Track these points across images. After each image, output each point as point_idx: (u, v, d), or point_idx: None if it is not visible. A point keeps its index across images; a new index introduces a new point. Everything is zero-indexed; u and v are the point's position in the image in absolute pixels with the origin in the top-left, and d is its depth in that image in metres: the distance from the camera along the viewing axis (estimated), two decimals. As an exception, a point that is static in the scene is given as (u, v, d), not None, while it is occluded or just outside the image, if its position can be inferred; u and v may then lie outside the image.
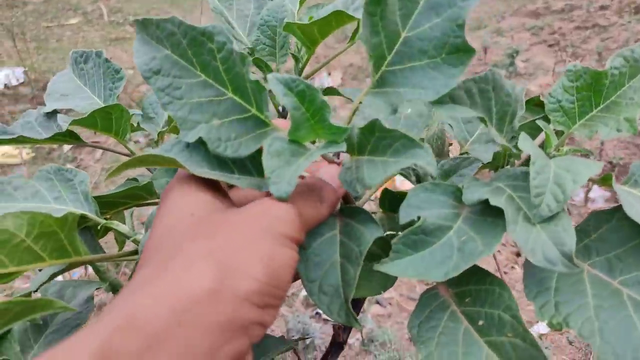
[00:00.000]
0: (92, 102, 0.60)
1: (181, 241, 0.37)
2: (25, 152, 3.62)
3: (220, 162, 0.43)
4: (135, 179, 0.60)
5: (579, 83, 0.50)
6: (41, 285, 0.54)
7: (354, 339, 1.78)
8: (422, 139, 0.55)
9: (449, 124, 0.61)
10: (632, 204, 0.42)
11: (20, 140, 0.53)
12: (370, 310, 1.90)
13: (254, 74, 0.45)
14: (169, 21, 0.40)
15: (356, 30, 0.58)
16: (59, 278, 0.68)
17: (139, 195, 0.55)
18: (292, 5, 0.62)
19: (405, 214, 0.43)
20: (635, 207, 0.42)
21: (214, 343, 0.32)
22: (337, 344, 0.61)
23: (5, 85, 4.77)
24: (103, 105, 0.56)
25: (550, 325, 0.40)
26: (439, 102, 0.45)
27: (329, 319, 1.98)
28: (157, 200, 0.60)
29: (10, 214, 0.37)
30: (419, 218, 0.42)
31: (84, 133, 0.61)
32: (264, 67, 0.58)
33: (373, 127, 0.41)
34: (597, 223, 0.45)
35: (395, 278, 0.51)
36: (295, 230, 0.39)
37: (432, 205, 0.45)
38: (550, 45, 4.16)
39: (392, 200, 0.53)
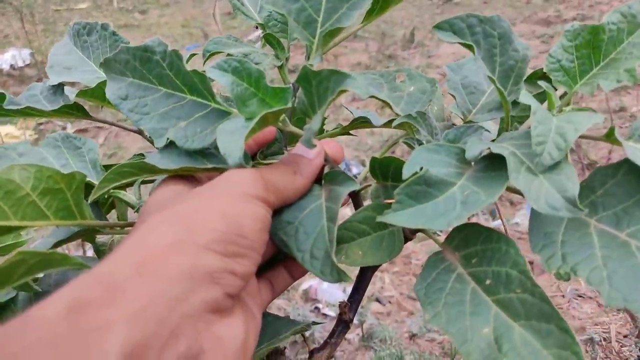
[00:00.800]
0: (98, 75, 0.59)
1: (154, 211, 0.40)
2: (28, 133, 3.63)
3: (191, 157, 0.47)
4: (141, 154, 0.60)
5: (577, 41, 0.50)
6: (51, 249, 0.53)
7: (353, 334, 1.77)
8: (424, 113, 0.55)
9: (452, 94, 0.61)
10: (638, 156, 0.42)
11: (26, 112, 0.53)
12: (370, 307, 1.89)
13: (266, 55, 0.52)
14: (121, 52, 0.46)
15: (371, 10, 0.58)
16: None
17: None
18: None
19: (408, 171, 0.43)
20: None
21: (181, 291, 0.33)
22: (342, 322, 0.60)
23: (12, 66, 4.81)
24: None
25: (557, 276, 0.39)
26: (439, 27, 0.47)
27: (328, 313, 1.97)
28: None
29: (16, 165, 0.37)
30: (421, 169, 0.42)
31: (90, 110, 0.61)
32: (276, 44, 0.58)
33: (305, 74, 0.43)
34: (603, 179, 0.44)
35: (401, 247, 0.51)
36: (259, 189, 0.41)
37: (435, 164, 0.45)
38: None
39: (382, 168, 0.53)
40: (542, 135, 0.43)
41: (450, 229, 0.49)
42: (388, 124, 0.62)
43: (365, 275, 0.58)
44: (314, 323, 0.62)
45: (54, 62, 0.62)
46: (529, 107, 0.46)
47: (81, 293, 0.31)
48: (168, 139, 0.47)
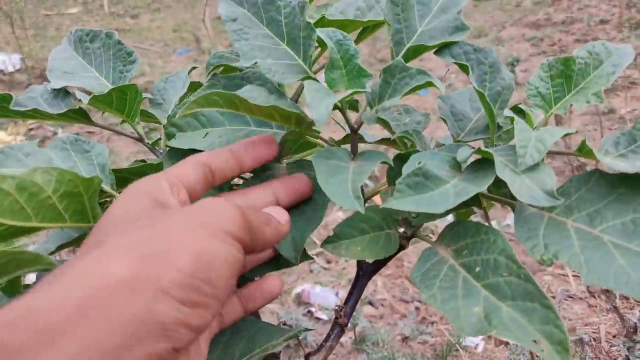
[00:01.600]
0: (99, 82, 0.62)
1: (113, 232, 0.35)
2: (19, 138, 3.62)
3: (238, 119, 0.57)
4: (143, 160, 0.63)
5: (552, 72, 0.57)
6: (50, 254, 0.56)
7: (346, 337, 1.80)
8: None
9: (443, 119, 0.66)
10: (609, 163, 0.47)
11: (32, 114, 0.55)
12: (363, 310, 1.92)
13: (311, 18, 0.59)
14: None
15: (363, 30, 0.63)
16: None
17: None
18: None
19: (408, 168, 0.47)
20: (614, 164, 0.47)
21: (125, 341, 0.28)
22: (338, 326, 0.63)
23: (1, 71, 4.80)
24: (112, 87, 0.59)
25: (541, 261, 0.43)
26: (440, 51, 0.55)
27: (321, 316, 1.99)
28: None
29: (39, 168, 0.40)
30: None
31: (92, 116, 0.63)
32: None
33: (395, 66, 0.50)
34: (577, 185, 0.49)
35: (396, 247, 0.55)
36: (238, 229, 0.36)
37: (432, 165, 0.49)
38: (549, 57, 4.29)
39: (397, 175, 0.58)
40: (524, 140, 0.47)
41: (440, 230, 0.53)
42: (381, 141, 0.66)
43: (361, 280, 0.62)
44: (306, 329, 0.63)
45: (54, 66, 0.64)
46: (511, 130, 0.52)
47: (10, 337, 0.26)
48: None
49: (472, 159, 0.51)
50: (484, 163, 0.49)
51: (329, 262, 2.45)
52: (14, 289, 0.54)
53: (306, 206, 0.53)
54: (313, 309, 1.97)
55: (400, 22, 0.57)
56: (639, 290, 0.39)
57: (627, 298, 1.73)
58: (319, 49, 0.63)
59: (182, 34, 5.84)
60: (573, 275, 1.88)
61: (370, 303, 1.96)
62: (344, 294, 2.14)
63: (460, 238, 0.49)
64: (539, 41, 4.53)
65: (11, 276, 0.37)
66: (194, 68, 0.70)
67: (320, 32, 0.52)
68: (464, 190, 0.46)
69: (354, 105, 0.68)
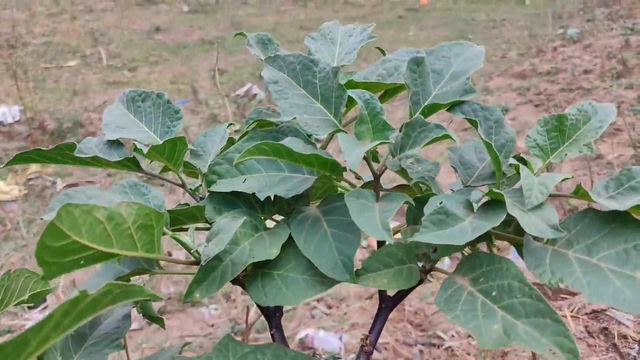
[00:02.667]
0: (149, 135, 0.70)
1: None
2: (18, 188, 3.66)
3: (274, 166, 0.65)
4: (187, 204, 0.70)
5: (547, 127, 0.66)
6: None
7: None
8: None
9: (453, 167, 0.74)
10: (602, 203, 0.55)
11: (89, 162, 0.63)
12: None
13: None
14: (291, 55, 0.66)
15: (385, 92, 0.73)
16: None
17: (194, 214, 0.66)
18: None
19: (429, 208, 0.55)
20: (607, 204, 0.55)
21: None
22: (364, 354, 0.69)
23: (1, 123, 4.89)
24: (160, 140, 0.67)
25: (549, 284, 0.51)
26: (452, 109, 0.65)
27: (323, 356, 2.00)
28: (208, 225, 0.69)
29: (124, 202, 0.47)
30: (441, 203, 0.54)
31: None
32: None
33: (416, 121, 0.58)
34: (575, 222, 0.57)
35: (418, 279, 0.62)
36: None
37: (450, 204, 0.56)
38: (536, 105, 4.43)
39: (416, 214, 0.65)
40: (529, 184, 0.55)
41: (456, 263, 0.61)
42: (398, 187, 0.74)
43: (384, 312, 0.69)
44: (336, 357, 0.69)
45: (108, 122, 0.72)
46: (513, 177, 0.61)
47: None
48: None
49: (482, 201, 0.59)
50: (493, 204, 0.57)
51: (329, 307, 2.48)
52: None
53: (346, 233, 0.60)
54: (318, 354, 1.99)
55: (417, 86, 0.66)
56: (635, 307, 0.46)
57: (625, 337, 1.78)
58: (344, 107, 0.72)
59: (179, 85, 6.01)
60: (572, 316, 1.93)
61: (375, 347, 1.98)
62: (347, 338, 2.16)
63: (476, 268, 0.56)
64: (525, 90, 4.72)
65: (119, 304, 0.43)
66: (231, 124, 0.78)
67: (351, 93, 0.61)
68: (480, 227, 0.53)
69: (375, 157, 0.76)
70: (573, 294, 2.12)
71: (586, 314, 1.99)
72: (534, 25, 7.23)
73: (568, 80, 4.75)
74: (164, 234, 0.62)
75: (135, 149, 0.65)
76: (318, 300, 2.54)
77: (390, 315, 2.27)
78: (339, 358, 0.67)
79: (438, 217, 0.53)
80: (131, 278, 0.79)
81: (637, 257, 0.51)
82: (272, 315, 0.72)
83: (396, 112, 4.52)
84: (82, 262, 0.47)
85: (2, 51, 6.00)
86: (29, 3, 8.44)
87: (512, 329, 0.49)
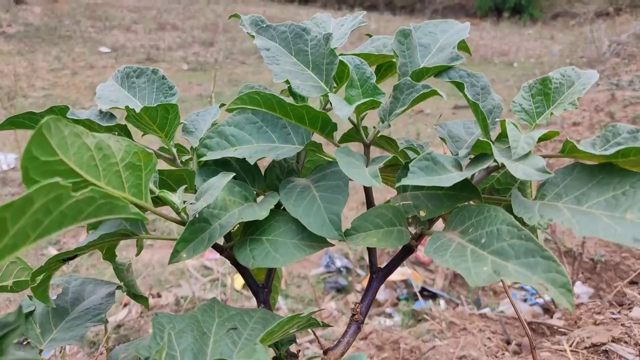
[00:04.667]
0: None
1: None
2: None
3: (264, 137, 0.58)
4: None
5: (532, 92, 0.67)
6: (77, 250, 0.60)
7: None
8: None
9: (442, 139, 0.75)
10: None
11: (83, 123, 0.63)
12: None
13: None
14: (282, 25, 0.67)
15: (378, 67, 0.75)
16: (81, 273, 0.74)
17: (183, 178, 0.66)
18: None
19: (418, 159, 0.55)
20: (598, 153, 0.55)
21: None
22: (354, 323, 0.67)
23: (-4, 169, 4.91)
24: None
25: (538, 226, 0.50)
26: (439, 75, 0.63)
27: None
28: (193, 192, 0.69)
29: (113, 137, 0.47)
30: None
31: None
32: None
33: (404, 84, 0.57)
34: (563, 177, 0.58)
35: (408, 240, 0.61)
36: None
37: (439, 158, 0.57)
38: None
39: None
40: (515, 136, 0.56)
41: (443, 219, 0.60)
42: (389, 165, 0.74)
43: (374, 282, 0.67)
44: (318, 310, 0.68)
45: (102, 95, 0.73)
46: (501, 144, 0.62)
47: None
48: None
49: (470, 156, 0.60)
50: (481, 157, 0.58)
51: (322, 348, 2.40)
52: (111, 255, 0.59)
53: (334, 194, 0.59)
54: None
55: (406, 57, 0.68)
56: (625, 239, 0.46)
57: (625, 365, 1.72)
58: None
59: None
60: (571, 350, 1.87)
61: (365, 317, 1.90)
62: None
63: (465, 221, 0.56)
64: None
65: (101, 219, 0.41)
66: (223, 105, 0.79)
67: (342, 58, 0.63)
68: (467, 173, 0.53)
69: (365, 130, 0.77)
70: (572, 329, 2.06)
71: (585, 347, 1.93)
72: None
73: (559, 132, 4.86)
74: (152, 192, 0.62)
75: (128, 113, 0.65)
76: (311, 342, 2.46)
77: (385, 354, 2.20)
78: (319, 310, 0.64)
79: (425, 162, 0.54)
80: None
81: (626, 201, 0.51)
82: (260, 291, 0.70)
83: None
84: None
85: (3, 102, 6.09)
86: (31, 59, 8.67)
87: (502, 269, 0.48)
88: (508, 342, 2.22)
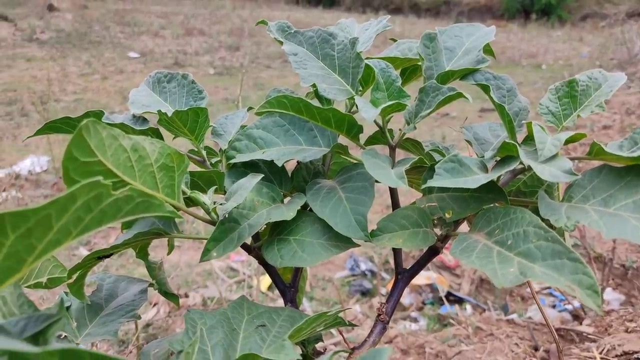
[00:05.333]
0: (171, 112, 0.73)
1: None
2: None
3: (292, 140, 0.59)
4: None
5: (559, 94, 0.67)
6: (113, 248, 0.62)
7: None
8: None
9: (468, 141, 0.75)
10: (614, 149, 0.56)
11: (118, 127, 0.66)
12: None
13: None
14: (311, 31, 0.69)
15: (402, 71, 0.76)
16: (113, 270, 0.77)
17: (213, 179, 0.68)
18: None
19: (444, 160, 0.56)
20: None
21: None
22: (380, 323, 0.68)
23: (29, 172, 5.10)
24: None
25: (565, 227, 0.50)
26: (465, 77, 0.65)
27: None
28: (223, 193, 0.71)
29: (148, 139, 0.49)
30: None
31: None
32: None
33: (430, 87, 0.58)
34: (590, 178, 0.57)
35: (433, 241, 0.62)
36: None
37: (466, 160, 0.57)
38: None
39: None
40: (542, 138, 0.56)
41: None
42: (414, 167, 0.75)
43: (400, 283, 0.68)
44: (345, 308, 0.69)
45: (135, 100, 0.76)
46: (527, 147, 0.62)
47: None
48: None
49: (496, 158, 0.60)
50: (507, 159, 0.58)
51: (348, 347, 2.41)
52: (144, 254, 0.61)
53: (360, 195, 0.60)
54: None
55: (431, 60, 0.69)
56: (653, 241, 0.46)
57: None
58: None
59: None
60: (602, 358, 1.84)
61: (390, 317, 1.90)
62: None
63: (491, 222, 0.56)
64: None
65: (138, 216, 0.43)
66: (250, 108, 0.81)
67: (368, 61, 0.64)
68: (493, 175, 0.54)
69: (390, 133, 0.78)
70: (602, 336, 2.02)
71: (617, 356, 1.89)
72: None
73: (588, 135, 4.77)
74: (184, 193, 0.64)
75: (160, 117, 0.67)
76: (335, 344, 2.47)
77: (411, 358, 2.19)
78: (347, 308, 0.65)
79: (451, 164, 0.54)
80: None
81: (655, 203, 0.51)
82: (287, 290, 0.72)
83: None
84: (105, 193, 0.48)
85: (37, 106, 6.28)
86: (63, 64, 8.91)
87: (529, 271, 0.48)
88: (536, 349, 2.19)
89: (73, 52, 9.76)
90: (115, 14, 13.24)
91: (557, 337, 1.12)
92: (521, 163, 0.56)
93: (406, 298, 2.65)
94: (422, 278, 2.70)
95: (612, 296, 2.53)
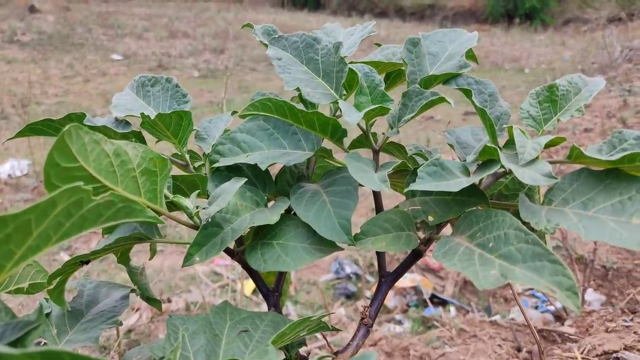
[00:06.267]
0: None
1: None
2: None
3: (275, 144, 0.59)
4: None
5: (540, 99, 0.68)
6: (94, 254, 0.62)
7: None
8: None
9: (450, 145, 0.76)
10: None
11: (100, 130, 0.65)
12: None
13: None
14: (295, 35, 0.69)
15: (387, 76, 0.77)
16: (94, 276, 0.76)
17: (196, 183, 0.67)
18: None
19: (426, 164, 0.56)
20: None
21: None
22: (363, 326, 0.68)
23: (9, 176, 5.02)
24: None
25: (545, 230, 0.51)
26: (447, 82, 0.64)
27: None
28: (206, 197, 0.71)
29: (130, 143, 0.48)
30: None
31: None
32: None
33: (413, 91, 0.58)
34: (570, 182, 0.58)
35: (416, 244, 0.62)
36: None
37: (448, 163, 0.58)
38: None
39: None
40: (522, 142, 0.57)
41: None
42: (397, 170, 0.75)
43: (383, 287, 0.68)
44: (335, 328, 0.69)
45: (118, 104, 0.75)
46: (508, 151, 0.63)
47: None
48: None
49: (478, 162, 0.61)
50: (488, 163, 0.59)
51: (332, 352, 2.41)
52: (125, 259, 0.60)
53: (344, 198, 0.61)
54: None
55: (415, 65, 0.69)
56: (631, 243, 0.47)
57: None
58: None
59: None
60: (583, 358, 1.86)
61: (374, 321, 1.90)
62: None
63: (472, 225, 0.57)
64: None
65: (119, 222, 0.43)
66: (235, 112, 0.81)
67: (351, 66, 0.64)
68: (474, 178, 0.54)
69: (374, 137, 0.78)
70: (583, 337, 2.05)
71: (597, 355, 1.92)
72: (533, 90, 7.43)
73: (569, 138, 4.84)
74: (166, 197, 0.63)
75: (143, 120, 0.67)
76: (320, 348, 2.46)
77: (395, 360, 2.18)
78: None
79: (433, 168, 0.55)
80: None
81: (632, 206, 0.51)
82: (271, 294, 0.72)
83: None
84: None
85: (17, 109, 6.19)
86: (44, 66, 8.79)
87: (509, 273, 0.49)
88: (519, 350, 2.21)
89: (55, 55, 9.64)
90: (98, 16, 13.11)
91: (538, 338, 1.13)
92: (502, 167, 0.56)
93: (391, 301, 2.66)
94: (407, 280, 2.71)
95: (593, 297, 2.57)
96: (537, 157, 0.56)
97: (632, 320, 2.10)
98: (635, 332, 1.94)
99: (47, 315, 0.71)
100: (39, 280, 0.79)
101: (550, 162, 0.65)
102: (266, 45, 0.71)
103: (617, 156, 0.54)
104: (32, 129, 0.67)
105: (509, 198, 0.66)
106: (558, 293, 0.46)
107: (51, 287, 0.66)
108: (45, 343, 0.68)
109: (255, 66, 9.80)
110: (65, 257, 3.16)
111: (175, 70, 9.37)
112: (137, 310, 2.46)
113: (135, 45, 10.71)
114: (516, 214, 0.61)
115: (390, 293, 2.66)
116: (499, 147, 0.65)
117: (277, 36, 0.68)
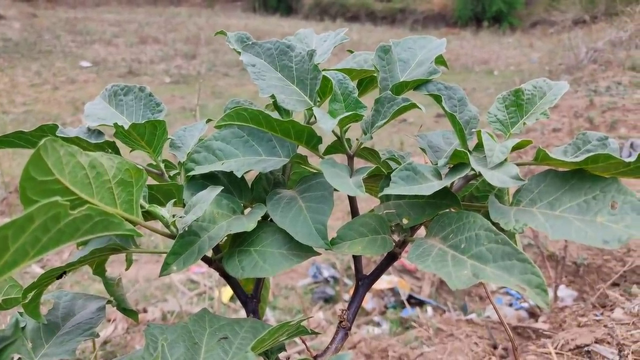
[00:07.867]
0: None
1: None
2: None
3: (251, 151, 0.59)
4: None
5: (506, 103, 0.70)
6: (69, 266, 0.61)
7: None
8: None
9: (422, 149, 0.78)
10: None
11: (73, 141, 0.65)
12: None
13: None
14: (268, 42, 0.70)
15: (360, 82, 0.78)
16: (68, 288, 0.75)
17: (171, 192, 0.67)
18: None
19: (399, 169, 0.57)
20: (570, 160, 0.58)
21: None
22: (342, 329, 0.69)
23: (-24, 187, 4.88)
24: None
25: (514, 230, 0.53)
26: (417, 88, 0.66)
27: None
28: (182, 206, 0.71)
29: (105, 155, 0.48)
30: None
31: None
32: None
33: (385, 98, 0.59)
34: (537, 183, 0.60)
35: (391, 247, 0.64)
36: None
37: (420, 168, 0.59)
38: None
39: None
40: (491, 146, 0.59)
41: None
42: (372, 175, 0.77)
43: (361, 289, 0.69)
44: (314, 332, 0.70)
45: (90, 114, 0.75)
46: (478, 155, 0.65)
47: None
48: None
49: (449, 166, 0.62)
50: (459, 166, 0.60)
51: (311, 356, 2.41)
52: (101, 270, 0.59)
53: (320, 204, 0.61)
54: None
55: (386, 72, 0.71)
56: (596, 241, 0.49)
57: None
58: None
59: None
60: (556, 353, 1.91)
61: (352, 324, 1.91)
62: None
63: (445, 227, 0.58)
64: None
65: (97, 235, 0.43)
66: (209, 120, 0.81)
67: (325, 73, 0.65)
68: (446, 182, 0.56)
69: (348, 142, 0.80)
70: (556, 332, 2.10)
71: (570, 349, 1.97)
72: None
73: (538, 138, 4.94)
74: (142, 207, 0.63)
75: (117, 130, 0.67)
76: (299, 352, 2.46)
77: (374, 361, 2.19)
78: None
79: (406, 172, 0.56)
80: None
81: (597, 205, 0.54)
82: (249, 301, 0.72)
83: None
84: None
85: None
86: (11, 74, 8.60)
87: (481, 272, 0.51)
88: (495, 347, 2.25)
89: (22, 62, 9.43)
90: (66, 23, 12.88)
91: (512, 335, 1.16)
92: (473, 169, 0.58)
93: (369, 303, 2.68)
94: (384, 282, 2.73)
95: (566, 293, 2.63)
96: (505, 160, 0.58)
97: (602, 314, 2.16)
98: (605, 326, 2.00)
99: (23, 329, 0.70)
100: (14, 295, 0.78)
101: (518, 165, 0.67)
102: (239, 53, 0.71)
103: (582, 157, 0.56)
104: (3, 142, 0.67)
105: (480, 199, 0.68)
106: (528, 290, 0.48)
107: (26, 301, 0.65)
108: (20, 358, 0.67)
109: (228, 71, 9.75)
110: (37, 269, 3.09)
111: (146, 77, 9.26)
112: (113, 321, 2.42)
113: (104, 51, 10.55)
114: (487, 215, 0.63)
115: (368, 295, 2.68)
116: (469, 150, 0.66)
117: (250, 43, 0.69)
